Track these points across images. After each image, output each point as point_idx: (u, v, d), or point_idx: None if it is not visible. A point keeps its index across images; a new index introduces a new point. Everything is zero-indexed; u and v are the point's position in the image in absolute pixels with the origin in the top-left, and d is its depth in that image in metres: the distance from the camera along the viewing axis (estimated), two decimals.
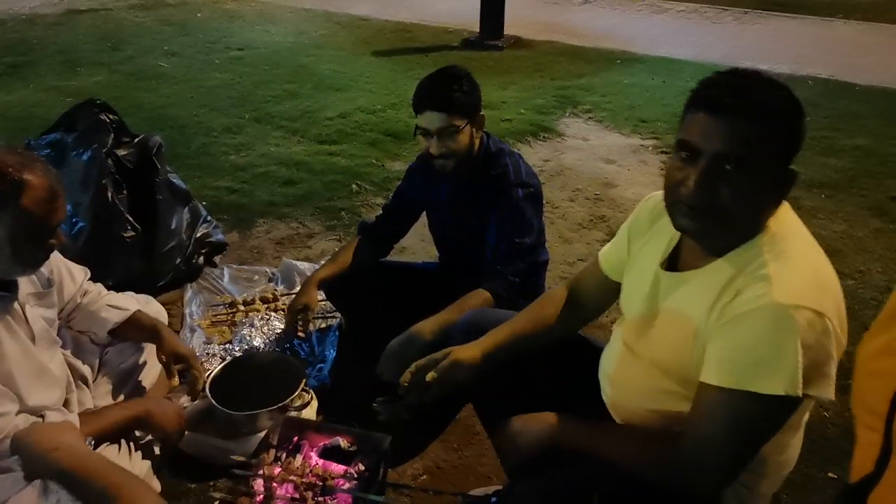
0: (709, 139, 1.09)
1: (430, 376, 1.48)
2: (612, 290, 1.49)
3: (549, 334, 1.54)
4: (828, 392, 1.08)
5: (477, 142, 2.07)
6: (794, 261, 1.11)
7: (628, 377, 1.32)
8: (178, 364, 1.88)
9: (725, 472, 1.12)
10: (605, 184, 3.83)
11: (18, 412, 1.42)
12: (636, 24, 7.79)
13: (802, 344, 1.03)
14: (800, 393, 1.04)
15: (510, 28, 6.88)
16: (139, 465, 1.68)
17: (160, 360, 1.87)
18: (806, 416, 1.25)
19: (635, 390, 1.30)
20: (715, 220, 1.12)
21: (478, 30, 6.85)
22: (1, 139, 2.71)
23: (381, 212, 2.40)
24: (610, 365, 1.38)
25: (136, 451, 1.69)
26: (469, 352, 1.50)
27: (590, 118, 4.85)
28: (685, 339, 1.17)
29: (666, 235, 1.30)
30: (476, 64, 5.98)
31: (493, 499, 1.52)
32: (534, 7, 8.47)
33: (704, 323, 1.14)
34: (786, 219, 1.18)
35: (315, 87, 5.25)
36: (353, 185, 3.63)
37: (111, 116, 2.62)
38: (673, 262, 1.28)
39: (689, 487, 1.13)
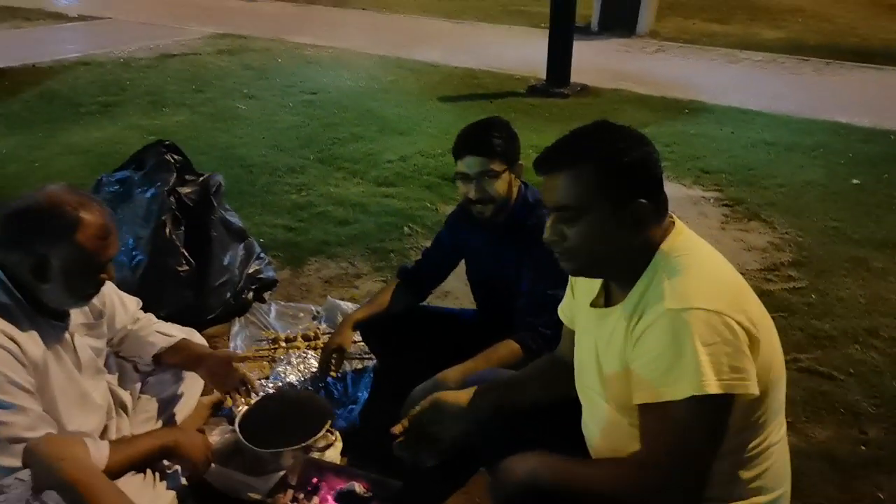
0: (545, 195, 1.26)
1: (402, 424, 1.59)
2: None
3: (539, 387, 1.59)
4: (747, 388, 1.09)
5: (515, 191, 2.08)
6: (686, 270, 1.17)
7: (594, 419, 1.36)
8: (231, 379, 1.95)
9: (684, 485, 1.12)
10: None
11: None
12: (708, 74, 7.67)
13: (701, 343, 1.07)
14: (709, 391, 1.05)
15: (578, 76, 6.91)
16: (164, 495, 1.73)
17: (211, 381, 1.96)
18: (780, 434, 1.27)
19: (602, 430, 1.33)
20: (580, 261, 1.25)
21: (545, 77, 6.92)
22: (84, 173, 2.93)
23: (420, 257, 2.43)
24: (584, 413, 1.42)
25: (161, 480, 1.74)
26: (454, 395, 1.59)
27: None
28: (620, 371, 1.22)
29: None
30: (538, 111, 6.03)
31: None
32: (604, 54, 8.50)
33: (626, 351, 1.19)
34: (676, 240, 1.23)
35: (379, 130, 5.42)
36: (406, 228, 3.69)
37: (175, 157, 2.78)
38: (608, 301, 1.35)
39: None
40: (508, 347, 1.96)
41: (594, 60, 7.89)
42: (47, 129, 5.26)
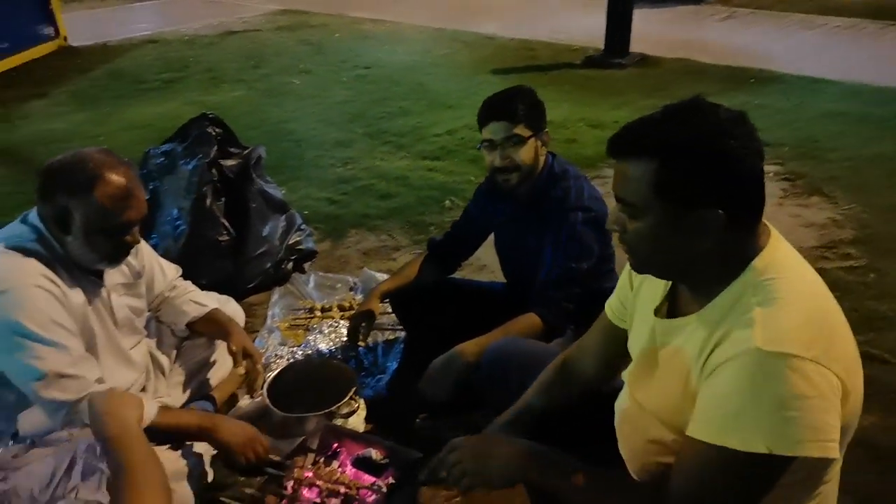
0: (613, 182, 1.11)
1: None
2: (619, 341, 1.37)
3: (545, 401, 1.47)
4: (827, 452, 0.94)
5: (542, 160, 2.04)
6: (783, 301, 0.99)
7: (632, 427, 1.24)
8: (245, 359, 1.98)
9: None
10: None
11: (99, 380, 1.55)
12: (780, 41, 7.26)
13: (790, 395, 0.92)
14: (786, 452, 0.92)
15: (638, 45, 6.67)
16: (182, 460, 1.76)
17: (230, 352, 1.98)
18: (833, 478, 1.10)
19: (638, 440, 1.21)
20: (638, 259, 1.10)
21: (602, 47, 6.71)
22: (142, 147, 3.06)
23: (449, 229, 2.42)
24: (617, 414, 1.30)
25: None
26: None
27: None
28: (680, 389, 1.08)
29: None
30: (593, 83, 5.86)
31: None
32: (669, 23, 8.15)
33: (695, 372, 1.05)
34: (773, 256, 1.05)
35: (428, 104, 5.40)
36: (447, 201, 3.69)
37: (217, 129, 2.86)
38: (673, 307, 1.20)
39: None
40: (528, 320, 1.93)
41: (658, 29, 7.59)
42: (112, 106, 5.51)
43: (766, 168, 3.57)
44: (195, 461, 1.77)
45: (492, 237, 2.33)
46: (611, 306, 1.40)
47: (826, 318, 1.01)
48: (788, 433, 0.92)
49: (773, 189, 3.83)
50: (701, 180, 1.01)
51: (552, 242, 1.99)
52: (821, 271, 2.86)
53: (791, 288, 1.01)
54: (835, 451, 0.95)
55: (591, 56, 6.68)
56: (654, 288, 1.23)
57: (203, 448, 1.76)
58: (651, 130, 1.06)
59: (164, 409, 1.68)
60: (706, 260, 1.06)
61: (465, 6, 9.56)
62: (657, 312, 1.20)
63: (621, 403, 1.29)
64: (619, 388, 1.42)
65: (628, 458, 1.26)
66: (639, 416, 1.21)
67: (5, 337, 1.46)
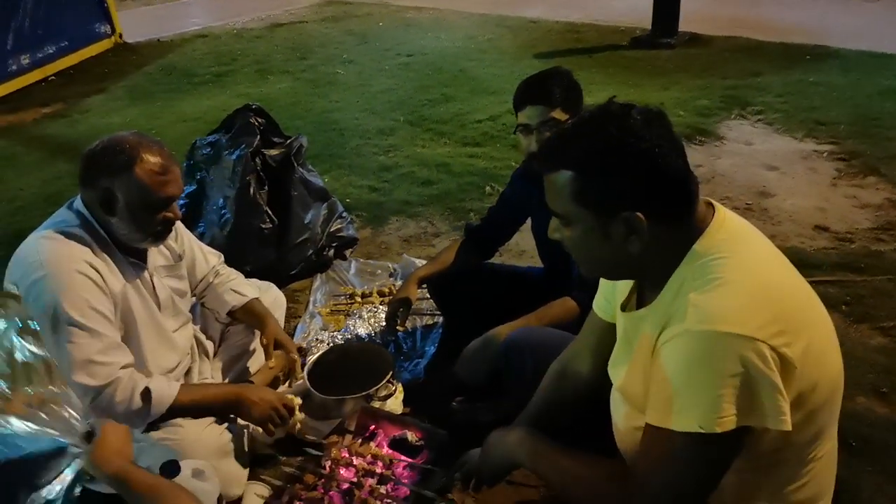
0: (545, 194, 1.14)
1: None
2: (610, 336, 1.34)
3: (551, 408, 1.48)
4: (775, 423, 0.95)
5: None
6: (721, 280, 1.01)
7: (618, 416, 1.26)
8: (278, 349, 2.04)
9: None
10: (761, 192, 3.48)
11: (125, 366, 1.60)
12: (840, 15, 6.95)
13: (719, 373, 0.94)
14: (717, 429, 0.94)
15: (687, 24, 6.48)
16: (226, 436, 1.83)
17: (261, 343, 2.05)
18: (825, 449, 1.11)
19: (624, 428, 1.23)
20: (584, 266, 1.17)
21: (650, 27, 6.55)
22: (192, 139, 3.16)
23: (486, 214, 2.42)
24: (611, 401, 1.32)
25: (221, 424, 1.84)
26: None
27: (759, 120, 4.43)
28: (644, 377, 1.11)
29: None
30: (640, 64, 5.73)
31: None
32: (718, 0, 7.89)
33: (650, 360, 1.08)
34: (714, 238, 1.06)
35: (471, 91, 5.38)
36: (487, 188, 3.68)
37: (260, 120, 2.92)
38: (641, 299, 1.22)
39: None
40: (564, 305, 1.93)
41: (709, 6, 7.36)
42: (165, 100, 5.68)
43: (820, 147, 3.43)
44: (238, 434, 1.85)
45: (529, 222, 2.32)
46: (598, 303, 1.41)
47: (773, 292, 1.01)
48: (718, 409, 0.94)
49: (826, 169, 3.69)
50: (613, 186, 1.04)
51: None
52: (875, 254, 2.81)
53: (733, 265, 1.02)
54: (777, 423, 0.95)
55: (638, 37, 6.53)
56: (624, 283, 1.25)
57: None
58: (564, 143, 1.10)
59: (187, 385, 1.75)
60: (645, 257, 1.08)
61: None
62: (625, 307, 1.23)
63: (611, 395, 1.31)
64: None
65: (621, 447, 1.28)
66: (621, 406, 1.24)
67: (47, 317, 1.53)
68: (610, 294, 1.33)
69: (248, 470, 1.84)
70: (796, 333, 0.98)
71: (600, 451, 1.24)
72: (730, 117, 4.50)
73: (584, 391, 1.42)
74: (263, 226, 2.80)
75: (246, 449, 1.84)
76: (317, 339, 2.50)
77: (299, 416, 1.81)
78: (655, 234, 1.05)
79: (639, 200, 1.03)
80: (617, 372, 1.25)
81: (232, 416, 1.82)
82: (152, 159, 1.60)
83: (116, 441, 1.23)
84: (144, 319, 1.76)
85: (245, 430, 1.89)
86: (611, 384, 1.28)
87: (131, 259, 1.73)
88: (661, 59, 5.90)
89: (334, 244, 3.08)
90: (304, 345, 2.47)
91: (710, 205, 1.12)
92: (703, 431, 0.95)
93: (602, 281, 1.37)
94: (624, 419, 1.22)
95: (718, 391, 0.94)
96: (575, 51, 6.38)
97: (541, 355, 1.57)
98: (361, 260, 3.09)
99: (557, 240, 1.16)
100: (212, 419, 1.79)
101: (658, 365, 1.03)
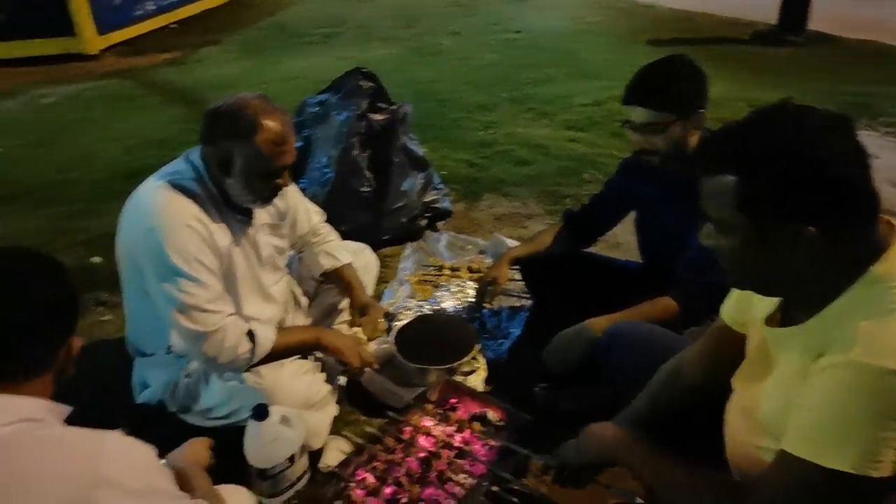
0: (700, 198, 1.05)
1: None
2: (733, 346, 1.27)
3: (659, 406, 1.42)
4: None
5: (693, 139, 1.91)
6: None
7: (738, 432, 1.18)
8: (363, 315, 2.08)
9: None
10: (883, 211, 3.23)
11: (231, 315, 1.68)
12: None
13: (889, 414, 0.86)
14: (872, 473, 0.86)
15: (816, 22, 6.08)
16: (320, 386, 1.90)
17: (349, 310, 2.12)
18: None
19: (744, 446, 1.16)
20: (734, 276, 1.09)
21: (775, 22, 6.17)
22: (297, 96, 3.25)
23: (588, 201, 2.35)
24: (728, 413, 1.24)
25: (321, 371, 1.92)
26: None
27: (888, 132, 4.12)
28: (783, 400, 1.02)
29: None
30: (761, 60, 5.42)
31: None
32: None
33: (796, 384, 0.99)
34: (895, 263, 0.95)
35: (577, 73, 5.25)
36: (586, 174, 3.60)
37: (370, 84, 2.94)
38: (787, 315, 1.12)
39: None
40: (664, 304, 1.86)
41: (842, 4, 6.86)
42: (274, 56, 5.84)
43: None
44: (332, 387, 1.90)
45: (632, 214, 2.24)
46: (727, 309, 1.32)
47: None
48: (877, 452, 0.86)
49: None
50: (785, 195, 0.94)
51: (699, 226, 1.88)
52: None
53: None
54: None
55: (761, 31, 6.18)
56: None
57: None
58: (729, 143, 1.00)
59: (278, 329, 1.81)
60: (808, 274, 0.99)
61: None
62: (769, 321, 1.14)
63: (730, 408, 1.24)
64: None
65: (732, 461, 1.21)
66: (745, 423, 1.16)
67: (157, 265, 1.61)
68: (745, 304, 1.25)
69: (331, 423, 1.89)
70: None
71: (699, 457, 1.17)
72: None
73: (693, 396, 1.36)
74: (362, 188, 2.84)
75: (335, 401, 1.89)
76: (404, 307, 2.52)
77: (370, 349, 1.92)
78: (826, 250, 0.95)
79: (812, 212, 0.94)
80: (746, 387, 1.18)
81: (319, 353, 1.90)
82: (273, 128, 1.63)
83: (201, 445, 1.33)
84: (245, 274, 1.82)
85: (334, 381, 1.95)
86: (722, 393, 1.22)
87: (238, 216, 1.79)
88: (784, 57, 5.56)
89: (428, 214, 3.09)
90: (392, 310, 2.50)
91: (892, 225, 1.01)
92: (853, 473, 0.87)
93: (735, 290, 1.29)
94: (743, 435, 1.15)
95: (880, 433, 0.86)
96: (690, 40, 6.10)
97: (646, 352, 1.52)
98: (452, 233, 3.09)
99: (707, 244, 1.08)
100: (307, 369, 1.84)
101: (809, 391, 0.95)
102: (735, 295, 1.29)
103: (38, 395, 1.01)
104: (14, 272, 1.03)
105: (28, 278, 1.03)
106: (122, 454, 0.97)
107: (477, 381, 2.11)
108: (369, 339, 2.07)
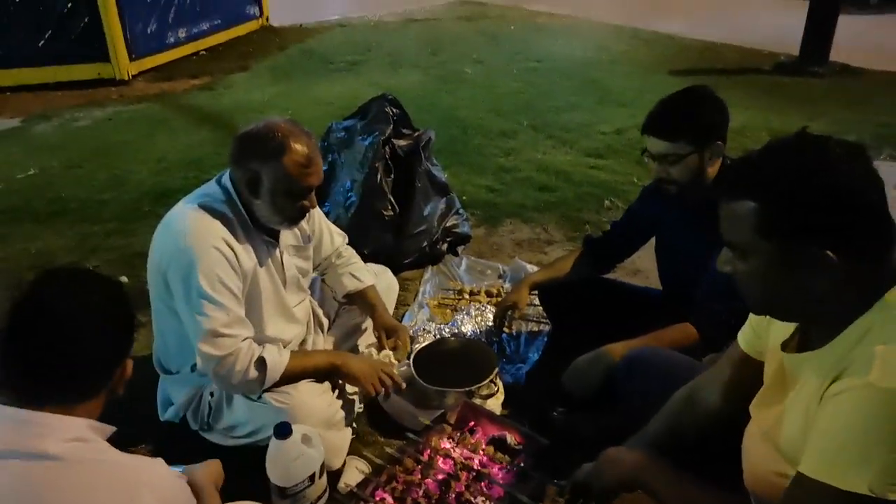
0: (720, 223, 1.08)
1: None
2: (750, 372, 1.28)
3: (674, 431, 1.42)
4: None
5: (713, 169, 1.92)
6: None
7: (757, 458, 1.19)
8: (391, 337, 2.11)
9: None
10: None
11: (246, 339, 1.71)
12: None
13: None
14: (890, 496, 0.88)
15: (839, 53, 6.08)
16: (335, 406, 1.91)
17: (374, 332, 2.14)
18: None
19: (762, 471, 1.16)
20: (753, 301, 1.10)
21: (797, 53, 6.19)
22: (325, 121, 3.33)
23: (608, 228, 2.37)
24: (744, 443, 1.25)
25: (338, 397, 1.94)
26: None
27: None
28: (801, 425, 1.03)
29: None
30: (784, 90, 5.43)
31: None
32: (881, 31, 7.35)
33: (812, 408, 1.00)
34: None
35: (598, 101, 5.30)
36: (607, 201, 3.61)
37: (395, 110, 3.01)
38: (804, 340, 1.13)
39: None
40: (683, 330, 1.86)
41: (865, 37, 6.86)
42: (303, 82, 5.97)
43: None
44: (348, 408, 1.92)
45: (652, 241, 2.25)
46: (744, 336, 1.33)
47: None
48: (893, 476, 0.87)
49: None
50: (804, 221, 0.96)
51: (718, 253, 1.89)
52: None
53: None
54: None
55: (783, 62, 6.20)
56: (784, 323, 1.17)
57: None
58: (750, 170, 1.02)
59: (295, 352, 1.84)
60: (826, 299, 1.00)
61: (649, 2, 9.23)
62: (786, 347, 1.15)
63: (748, 435, 1.24)
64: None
65: (752, 488, 1.21)
66: (763, 448, 1.16)
67: (185, 285, 1.65)
68: (762, 330, 1.26)
69: (349, 443, 1.90)
70: None
71: (716, 481, 1.19)
72: (879, 157, 4.18)
73: (709, 422, 1.37)
74: (385, 212, 2.88)
75: (353, 424, 1.91)
76: (423, 329, 2.54)
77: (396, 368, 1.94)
78: (845, 275, 0.97)
79: (831, 238, 0.96)
80: (765, 413, 1.18)
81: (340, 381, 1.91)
82: (300, 150, 1.68)
83: (217, 467, 1.36)
84: (269, 295, 1.86)
85: (352, 404, 1.96)
86: (739, 419, 1.23)
87: (266, 237, 1.84)
88: (807, 88, 5.56)
89: (448, 239, 3.12)
90: (411, 333, 2.52)
91: None
92: (871, 495, 0.88)
93: (754, 315, 1.30)
94: (763, 462, 1.15)
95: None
96: (713, 70, 6.13)
97: (665, 377, 1.52)
98: (472, 258, 3.12)
99: (725, 270, 1.10)
100: (324, 389, 1.86)
101: (826, 415, 0.96)
102: (752, 322, 1.30)
103: (87, 415, 1.03)
104: (81, 295, 1.04)
105: (95, 301, 1.04)
106: (158, 487, 1.00)
107: (495, 404, 2.11)
108: (399, 361, 2.09)
